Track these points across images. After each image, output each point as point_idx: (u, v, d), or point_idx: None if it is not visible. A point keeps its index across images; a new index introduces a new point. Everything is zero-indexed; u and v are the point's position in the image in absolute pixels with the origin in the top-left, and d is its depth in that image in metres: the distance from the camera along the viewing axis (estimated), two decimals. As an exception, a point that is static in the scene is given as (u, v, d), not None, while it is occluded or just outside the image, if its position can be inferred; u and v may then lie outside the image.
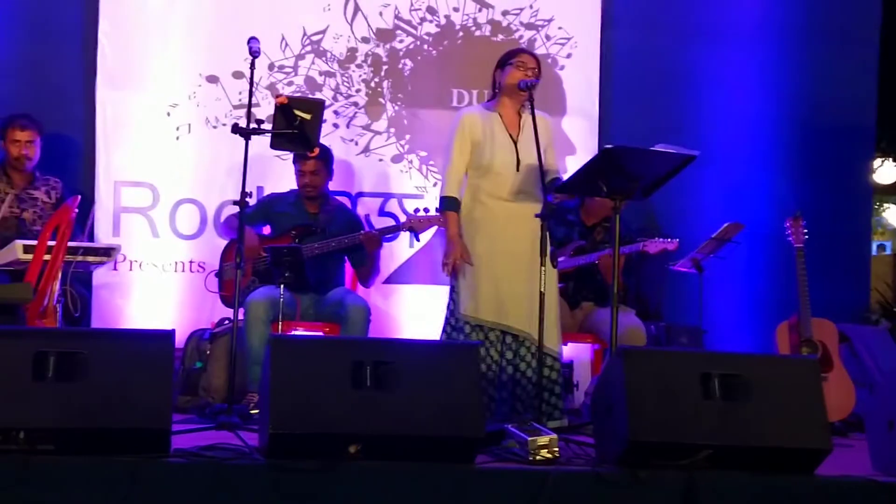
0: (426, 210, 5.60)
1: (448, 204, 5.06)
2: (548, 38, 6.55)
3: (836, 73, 6.75)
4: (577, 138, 6.51)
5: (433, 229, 5.82)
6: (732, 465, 3.85)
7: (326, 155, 5.83)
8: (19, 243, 5.16)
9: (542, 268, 4.67)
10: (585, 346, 5.85)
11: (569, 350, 5.71)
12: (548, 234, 4.72)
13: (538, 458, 3.94)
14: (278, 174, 6.16)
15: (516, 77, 5.03)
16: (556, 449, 3.98)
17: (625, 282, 5.27)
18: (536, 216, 4.73)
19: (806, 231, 5.83)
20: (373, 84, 6.47)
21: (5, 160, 5.78)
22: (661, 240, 5.60)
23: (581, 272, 5.71)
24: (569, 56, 6.57)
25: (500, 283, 4.97)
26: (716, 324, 6.25)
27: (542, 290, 4.66)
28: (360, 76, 6.46)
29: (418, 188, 6.46)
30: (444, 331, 5.13)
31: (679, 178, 4.87)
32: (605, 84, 6.61)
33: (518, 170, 5.01)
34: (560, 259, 5.29)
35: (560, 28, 6.56)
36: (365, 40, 6.45)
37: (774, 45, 6.75)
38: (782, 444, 3.91)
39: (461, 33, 6.52)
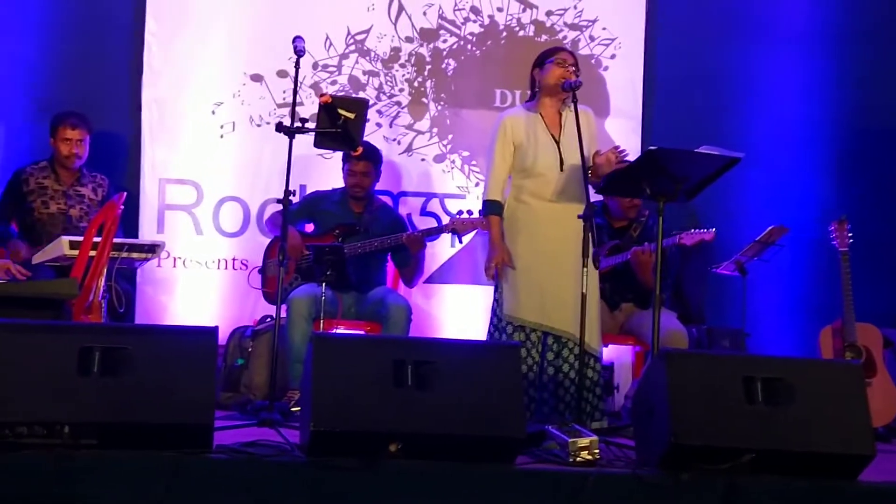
0: (469, 212, 5.60)
1: (491, 208, 5.04)
2: (591, 38, 6.54)
3: (882, 75, 6.69)
4: (619, 139, 6.46)
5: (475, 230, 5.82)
6: (774, 469, 3.83)
7: (377, 156, 5.85)
8: (65, 239, 5.21)
9: (584, 269, 4.65)
10: (626, 349, 5.83)
11: (609, 352, 5.69)
12: (590, 234, 4.71)
13: (578, 459, 3.93)
14: (321, 173, 6.18)
15: (556, 75, 5.00)
16: (597, 451, 3.97)
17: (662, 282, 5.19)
18: (579, 217, 4.71)
19: (850, 235, 5.78)
20: (416, 84, 6.48)
21: (54, 157, 5.83)
22: (697, 231, 5.51)
23: (617, 272, 5.67)
24: (612, 57, 6.56)
25: (543, 284, 4.96)
26: (758, 327, 6.21)
27: (584, 291, 4.65)
28: (403, 76, 6.47)
29: (460, 188, 6.46)
30: (489, 332, 5.13)
31: (723, 180, 4.84)
32: (649, 85, 6.59)
33: (562, 170, 4.99)
34: (598, 259, 5.27)
35: (604, 29, 6.55)
36: (409, 40, 6.47)
37: (820, 47, 6.69)
38: (825, 449, 3.88)
39: (504, 33, 6.52)
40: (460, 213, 5.68)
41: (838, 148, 6.67)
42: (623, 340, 5.74)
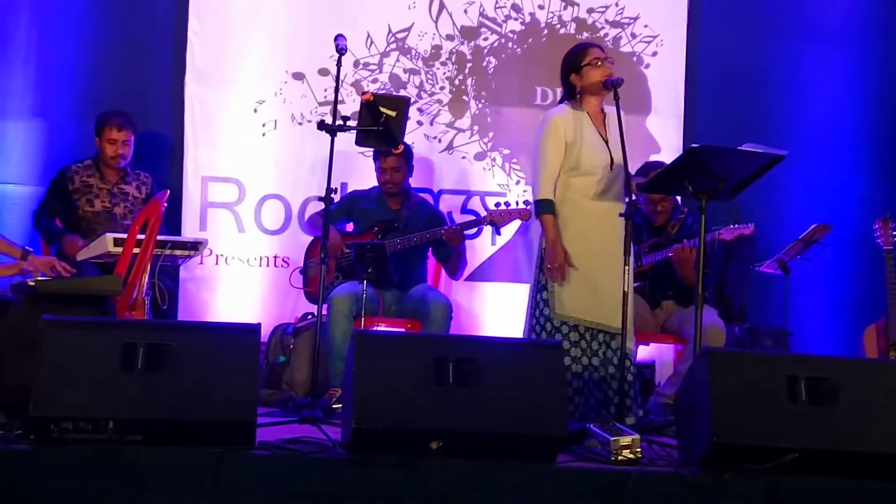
0: (507, 204, 5.59)
1: (545, 207, 4.96)
2: (633, 35, 6.52)
3: (928, 72, 6.63)
4: (661, 137, 6.47)
5: (515, 225, 5.81)
6: (818, 469, 3.79)
7: (406, 151, 5.84)
8: (109, 236, 5.25)
9: (626, 267, 4.62)
10: (668, 347, 5.80)
11: (651, 350, 5.67)
12: (631, 232, 4.67)
13: (620, 458, 3.91)
14: (362, 171, 6.20)
15: (597, 75, 4.96)
16: (639, 449, 3.95)
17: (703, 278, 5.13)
18: (621, 215, 4.68)
19: (895, 233, 5.73)
20: (457, 81, 6.48)
21: (99, 156, 5.88)
22: (735, 226, 5.46)
23: (657, 270, 5.64)
24: (654, 54, 6.53)
25: (596, 280, 4.89)
26: (801, 326, 6.17)
27: (626, 289, 4.62)
28: (444, 73, 6.48)
29: (501, 186, 6.45)
30: (532, 329, 5.02)
31: (766, 178, 4.81)
32: (691, 82, 6.56)
33: (612, 169, 4.95)
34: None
35: (646, 26, 6.52)
36: (449, 38, 6.47)
37: (864, 44, 6.64)
38: (869, 448, 3.85)
39: (546, 31, 6.51)
40: (498, 205, 5.67)
41: (883, 145, 6.62)
42: (664, 339, 5.71)
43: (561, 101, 5.14)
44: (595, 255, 4.91)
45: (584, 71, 5.00)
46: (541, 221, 4.98)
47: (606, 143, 4.98)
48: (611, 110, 4.93)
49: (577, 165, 4.96)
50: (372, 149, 5.72)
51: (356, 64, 6.38)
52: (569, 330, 4.91)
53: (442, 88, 6.48)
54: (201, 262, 6.20)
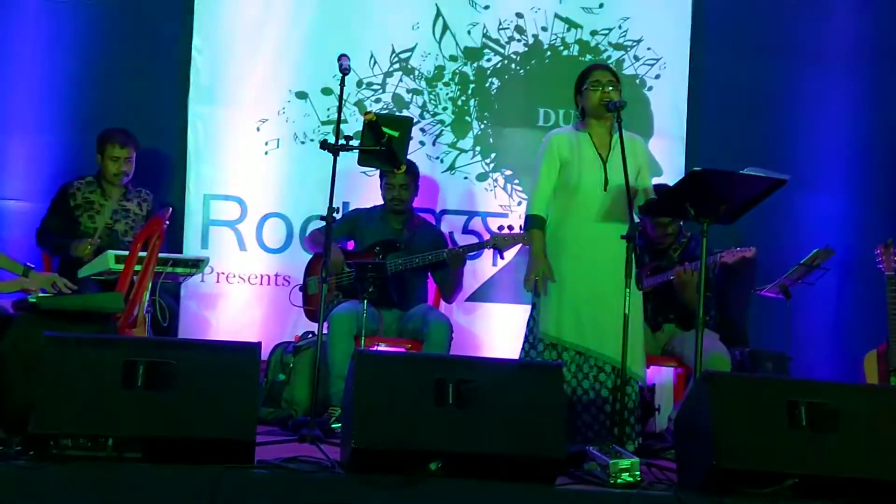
0: (510, 227, 5.60)
1: (533, 222, 5.04)
2: (636, 58, 6.53)
3: (931, 97, 6.64)
4: (663, 159, 6.47)
5: (517, 248, 5.81)
6: (818, 494, 3.79)
7: (414, 170, 5.86)
8: (111, 253, 5.25)
9: (627, 290, 4.62)
10: (668, 370, 5.80)
11: (651, 373, 5.65)
12: (633, 255, 4.68)
13: (619, 481, 3.91)
14: (364, 190, 6.21)
15: (594, 100, 4.99)
16: (638, 473, 3.95)
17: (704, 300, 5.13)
18: (623, 237, 4.69)
19: (896, 258, 5.73)
20: (459, 102, 6.50)
21: (100, 173, 5.88)
22: (737, 249, 5.47)
23: (659, 293, 5.64)
24: (657, 77, 6.54)
25: (582, 304, 4.93)
26: (802, 351, 6.16)
27: (627, 312, 4.62)
28: (447, 94, 6.49)
29: (503, 207, 6.46)
30: (523, 349, 5.10)
31: (768, 202, 4.82)
32: (694, 105, 6.57)
33: (605, 190, 4.98)
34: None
35: (649, 49, 6.54)
36: (453, 58, 6.48)
37: (866, 69, 6.64)
38: (868, 475, 3.85)
39: (549, 53, 6.53)
40: (501, 228, 5.68)
41: (885, 171, 6.61)
42: (665, 362, 5.70)
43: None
44: (587, 278, 4.93)
45: (585, 93, 5.04)
46: (528, 236, 5.03)
47: (604, 164, 4.99)
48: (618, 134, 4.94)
49: (572, 184, 4.98)
50: (375, 168, 5.72)
51: (359, 83, 6.39)
52: (544, 348, 4.95)
53: (445, 109, 6.49)
54: (202, 280, 6.19)
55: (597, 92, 4.99)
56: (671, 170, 6.42)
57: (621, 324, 4.60)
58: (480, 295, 6.43)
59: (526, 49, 6.52)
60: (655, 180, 6.16)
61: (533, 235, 5.03)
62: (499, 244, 5.69)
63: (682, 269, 5.47)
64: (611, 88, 5.00)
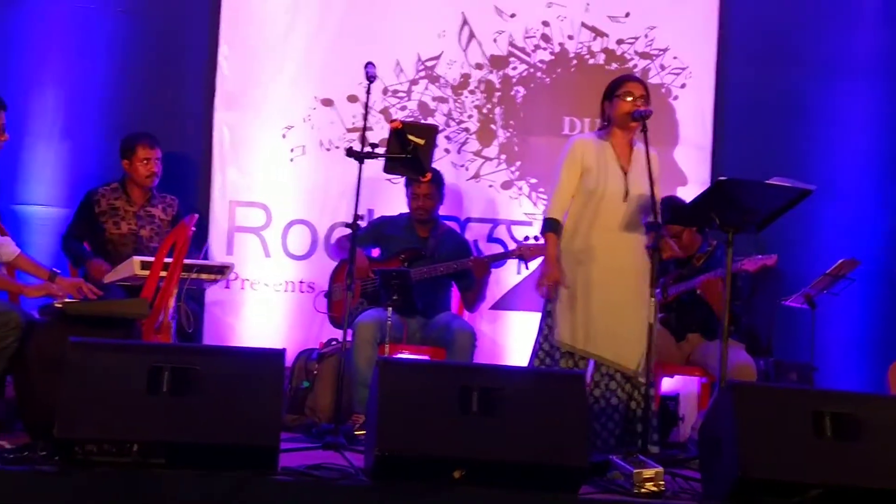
0: (536, 238, 5.59)
1: (550, 226, 5.00)
2: (662, 67, 6.52)
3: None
4: (689, 169, 6.46)
5: (542, 257, 5.80)
6: (843, 505, 3.78)
7: (439, 179, 5.87)
8: (136, 259, 5.26)
9: (652, 298, 4.61)
10: (692, 380, 5.77)
11: (675, 383, 5.64)
12: (656, 264, 4.66)
13: (643, 490, 3.90)
14: (389, 197, 6.22)
15: (624, 109, 4.97)
16: (662, 482, 3.94)
17: (732, 309, 5.10)
18: (647, 247, 4.68)
19: (923, 269, 5.71)
20: (485, 110, 6.50)
21: (125, 178, 5.89)
22: (758, 256, 5.43)
23: (683, 302, 5.62)
24: (683, 86, 6.53)
25: (596, 312, 4.89)
26: (827, 361, 6.13)
27: (651, 321, 4.60)
28: (472, 102, 6.50)
29: (527, 215, 6.46)
30: (535, 355, 5.06)
31: (794, 212, 4.80)
32: (720, 115, 6.55)
33: (625, 200, 4.96)
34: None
35: (675, 58, 6.52)
36: (478, 67, 6.49)
37: (892, 79, 6.61)
38: (894, 485, 3.82)
39: (575, 61, 6.52)
40: (527, 238, 5.67)
41: (912, 180, 6.59)
42: (689, 371, 5.68)
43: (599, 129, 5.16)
44: (602, 286, 4.90)
45: (615, 101, 5.02)
46: (544, 239, 5.01)
47: (626, 174, 4.98)
48: (640, 147, 4.92)
49: (593, 191, 4.96)
50: (401, 176, 5.73)
51: (385, 91, 6.41)
52: (560, 356, 4.91)
53: (470, 117, 6.50)
54: (227, 287, 6.21)
55: (627, 102, 4.98)
56: (696, 179, 6.40)
57: (636, 332, 4.60)
58: (504, 303, 6.42)
59: (552, 57, 6.51)
60: (680, 190, 6.20)
61: (548, 239, 5.00)
62: (524, 254, 5.69)
63: (709, 278, 5.43)
64: (642, 101, 4.99)
